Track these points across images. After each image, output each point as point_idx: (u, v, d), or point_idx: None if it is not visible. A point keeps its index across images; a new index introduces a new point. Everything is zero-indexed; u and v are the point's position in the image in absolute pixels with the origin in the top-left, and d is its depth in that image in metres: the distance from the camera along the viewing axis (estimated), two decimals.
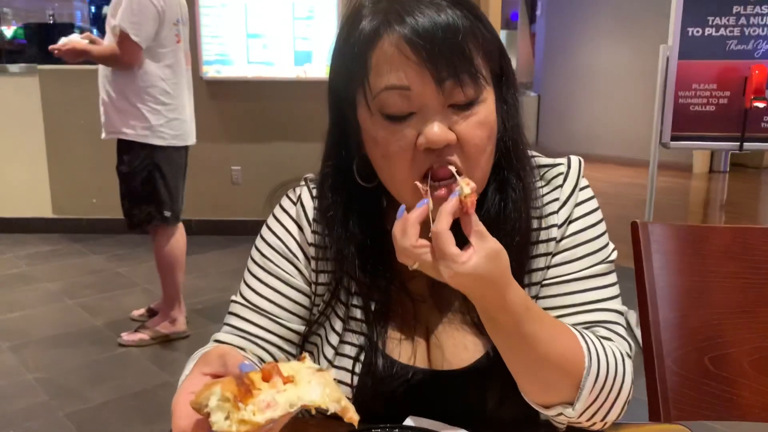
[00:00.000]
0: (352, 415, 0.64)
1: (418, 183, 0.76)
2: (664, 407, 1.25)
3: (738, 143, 3.01)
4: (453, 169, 0.75)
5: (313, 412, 0.63)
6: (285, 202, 0.95)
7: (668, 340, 1.30)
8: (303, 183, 0.96)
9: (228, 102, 4.90)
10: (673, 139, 3.09)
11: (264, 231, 0.95)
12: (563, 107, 9.47)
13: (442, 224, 0.69)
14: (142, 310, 3.46)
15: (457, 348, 0.89)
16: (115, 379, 2.84)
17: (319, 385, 0.63)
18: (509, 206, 0.84)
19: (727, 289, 1.33)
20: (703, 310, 1.32)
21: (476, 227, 0.71)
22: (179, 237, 3.18)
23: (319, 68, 4.65)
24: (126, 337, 3.17)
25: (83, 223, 5.02)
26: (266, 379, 0.62)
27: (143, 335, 3.17)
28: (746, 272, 1.33)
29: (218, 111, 4.87)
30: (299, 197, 0.94)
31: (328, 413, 0.62)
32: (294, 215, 0.93)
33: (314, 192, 0.93)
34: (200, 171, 4.47)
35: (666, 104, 3.05)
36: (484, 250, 0.70)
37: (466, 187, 0.71)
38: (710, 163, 8.11)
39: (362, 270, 0.88)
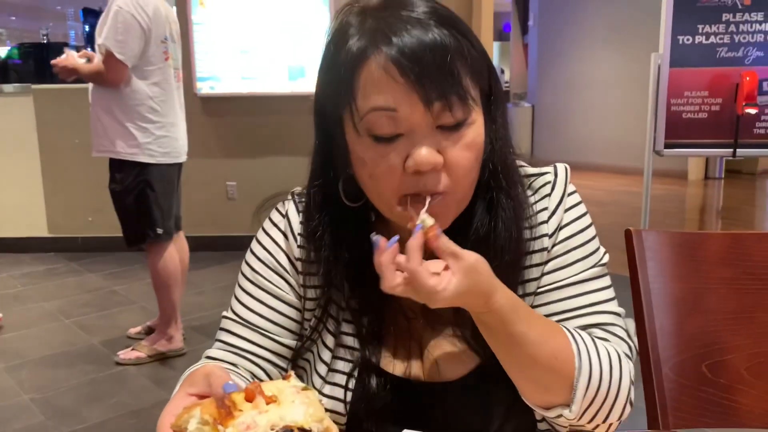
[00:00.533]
0: None
1: (400, 208, 0.75)
2: (662, 415, 1.25)
3: (731, 150, 3.03)
4: (423, 212, 0.74)
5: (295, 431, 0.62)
6: (274, 215, 0.95)
7: (665, 348, 1.30)
8: (290, 197, 0.95)
9: (222, 118, 4.91)
10: (667, 146, 3.10)
11: (254, 245, 0.94)
12: (557, 117, 9.51)
13: (414, 262, 0.69)
14: (138, 328, 3.44)
15: (452, 361, 0.89)
16: (113, 397, 2.83)
17: (302, 404, 0.62)
18: (500, 226, 0.83)
19: (723, 295, 1.33)
20: (699, 317, 1.32)
21: (448, 249, 0.71)
22: (174, 254, 3.17)
23: (313, 83, 4.66)
24: (123, 355, 3.15)
25: (79, 242, 5.01)
26: (249, 399, 0.61)
27: (140, 353, 3.15)
28: (742, 278, 1.33)
29: (213, 127, 4.88)
30: (287, 212, 0.93)
31: None
32: (283, 228, 0.93)
33: (300, 207, 0.92)
34: (195, 187, 4.48)
35: (659, 112, 3.06)
36: (462, 270, 0.71)
37: (429, 219, 0.71)
38: (705, 169, 8.15)
39: (352, 290, 0.88)
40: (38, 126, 4.91)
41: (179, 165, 3.20)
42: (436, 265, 0.71)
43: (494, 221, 0.83)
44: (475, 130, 0.77)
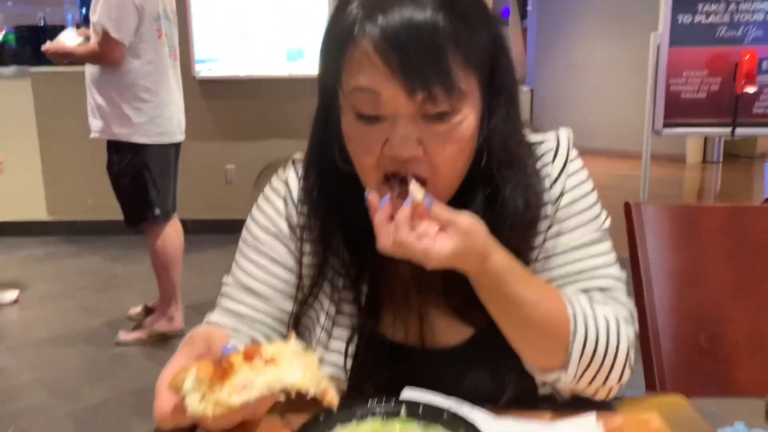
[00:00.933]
0: (331, 399, 0.63)
1: (371, 197, 0.74)
2: (660, 386, 1.26)
3: (730, 129, 3.03)
4: (412, 182, 0.73)
5: (293, 395, 0.62)
6: (275, 181, 0.95)
7: (663, 320, 1.31)
8: (290, 163, 0.95)
9: (221, 101, 4.89)
10: (666, 126, 3.10)
11: (254, 211, 0.95)
12: (556, 101, 9.49)
13: (402, 235, 0.70)
14: (138, 309, 3.45)
15: (448, 329, 0.89)
16: (114, 377, 2.84)
17: (300, 367, 0.62)
18: (506, 221, 0.82)
19: (722, 267, 1.33)
20: (697, 290, 1.33)
21: (442, 218, 0.71)
22: (173, 234, 3.17)
23: (311, 65, 4.65)
24: (123, 336, 3.16)
25: (78, 225, 5.01)
26: (248, 360, 0.61)
27: (141, 334, 3.16)
28: (740, 250, 1.33)
29: (211, 110, 4.86)
30: (287, 178, 0.94)
31: (308, 397, 0.62)
32: (283, 195, 0.93)
33: (300, 173, 0.92)
34: (194, 170, 4.47)
35: (657, 92, 3.05)
36: (457, 234, 0.71)
37: (418, 192, 0.71)
38: (703, 153, 8.14)
39: (349, 252, 0.88)
40: (37, 109, 4.89)
41: (176, 145, 3.18)
42: (430, 227, 0.72)
43: (496, 213, 0.82)
44: (464, 122, 0.75)
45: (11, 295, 3.70)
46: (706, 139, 8.00)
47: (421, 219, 0.71)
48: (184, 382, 0.59)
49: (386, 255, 0.72)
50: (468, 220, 0.72)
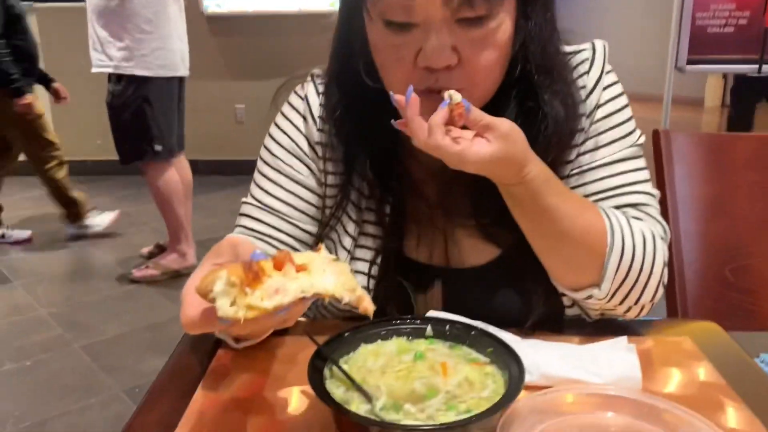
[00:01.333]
0: (367, 306, 0.60)
1: (396, 96, 0.68)
2: (683, 318, 1.24)
3: (756, 66, 2.92)
4: (446, 95, 0.68)
5: (327, 301, 0.59)
6: (293, 98, 0.91)
7: (689, 251, 1.28)
8: (309, 79, 0.91)
9: (230, 38, 4.80)
10: (689, 63, 3.00)
11: (272, 129, 0.91)
12: (574, 41, 9.29)
13: (437, 138, 0.65)
14: (151, 247, 3.46)
15: (473, 250, 0.87)
16: (128, 313, 2.86)
17: (333, 274, 0.59)
18: (545, 131, 0.78)
19: (750, 198, 1.30)
20: (724, 221, 1.30)
21: (481, 122, 0.67)
22: (173, 172, 3.12)
23: (322, 0, 4.53)
24: (137, 273, 3.18)
25: (88, 165, 4.98)
26: (278, 267, 0.58)
27: (153, 271, 3.17)
28: None
29: (220, 47, 4.77)
30: (306, 94, 0.90)
31: (342, 303, 0.59)
32: (302, 111, 0.89)
33: (321, 88, 0.88)
34: (203, 110, 4.41)
35: (683, 26, 2.95)
36: (497, 139, 0.67)
37: (456, 95, 0.67)
38: (722, 96, 7.96)
39: (373, 171, 0.85)
40: (42, 47, 4.78)
41: (179, 80, 3.11)
42: (465, 132, 0.67)
43: (535, 121, 0.78)
44: (501, 27, 0.71)
45: (25, 233, 3.70)
46: (725, 82, 7.81)
47: (458, 122, 0.67)
48: (214, 285, 0.55)
49: (422, 150, 0.67)
50: (508, 124, 0.68)
